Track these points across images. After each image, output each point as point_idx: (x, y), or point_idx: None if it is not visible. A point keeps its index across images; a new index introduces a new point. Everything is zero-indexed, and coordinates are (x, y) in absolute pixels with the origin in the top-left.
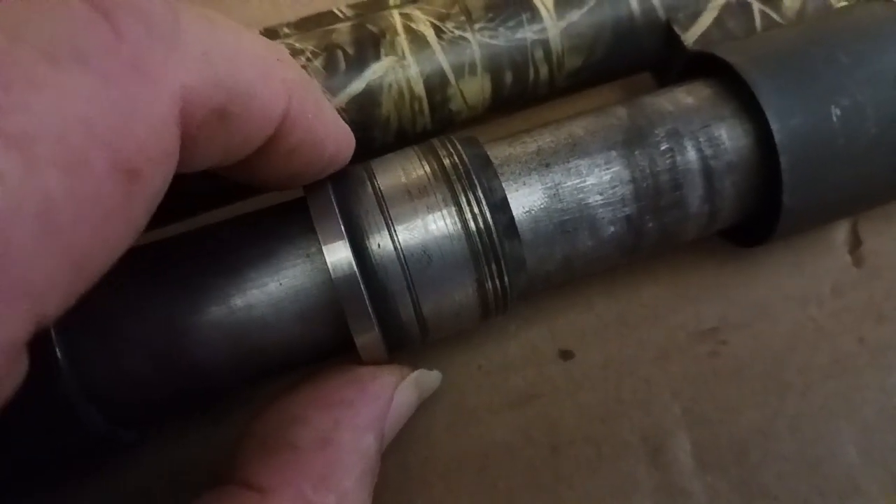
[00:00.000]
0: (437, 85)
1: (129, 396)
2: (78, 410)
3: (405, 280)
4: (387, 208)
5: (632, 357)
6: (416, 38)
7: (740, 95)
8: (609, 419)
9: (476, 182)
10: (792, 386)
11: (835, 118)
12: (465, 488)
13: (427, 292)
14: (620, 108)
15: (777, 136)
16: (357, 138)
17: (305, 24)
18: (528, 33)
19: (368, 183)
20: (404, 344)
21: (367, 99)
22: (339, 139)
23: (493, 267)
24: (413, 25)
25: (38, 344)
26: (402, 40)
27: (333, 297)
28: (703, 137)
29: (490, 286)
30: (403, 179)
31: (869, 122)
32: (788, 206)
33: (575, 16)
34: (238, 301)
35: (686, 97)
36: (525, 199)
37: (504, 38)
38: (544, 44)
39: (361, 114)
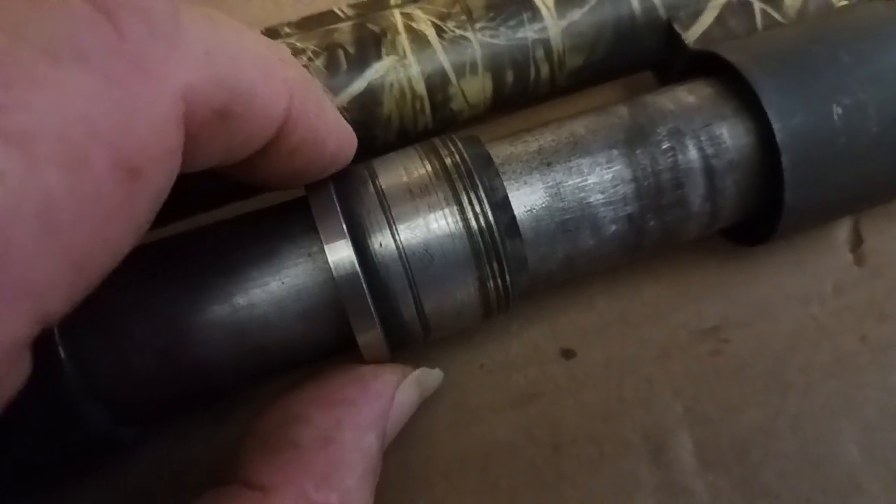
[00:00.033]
0: (438, 84)
1: (132, 395)
2: (81, 409)
3: (407, 279)
4: (388, 207)
5: (633, 356)
6: (418, 38)
7: (742, 94)
8: (611, 418)
9: (478, 181)
10: (793, 385)
11: (836, 117)
12: (468, 487)
13: (429, 291)
14: (622, 106)
15: (778, 135)
16: (358, 138)
17: (307, 24)
18: (529, 32)
19: (370, 182)
20: (406, 343)
21: (369, 98)
22: (341, 138)
23: (495, 266)
24: (414, 25)
25: (42, 343)
26: (404, 40)
27: (335, 295)
28: (704, 136)
29: (492, 285)
30: (405, 178)
31: (870, 121)
32: (790, 204)
33: (576, 15)
34: (240, 300)
35: (687, 96)
36: (526, 198)
37: (505, 37)
38: (545, 43)
39: (363, 113)
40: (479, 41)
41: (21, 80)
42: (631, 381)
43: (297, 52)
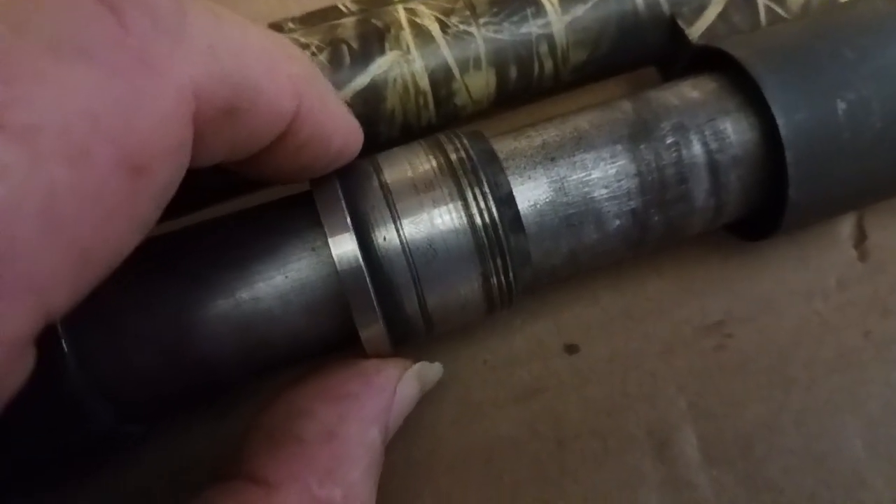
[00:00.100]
0: (441, 79)
1: (136, 391)
2: (85, 406)
3: (410, 273)
4: (393, 202)
5: (637, 351)
6: (421, 33)
7: (745, 90)
8: (615, 413)
9: (482, 177)
10: (797, 380)
11: (840, 112)
12: (471, 481)
13: (432, 286)
14: (626, 102)
15: (783, 131)
16: None
17: (310, 19)
18: (532, 28)
19: (375, 177)
20: (409, 337)
21: (372, 93)
22: (347, 133)
23: (499, 262)
24: (418, 20)
25: (45, 339)
26: (407, 35)
27: (339, 289)
28: (708, 131)
29: (495, 281)
30: (410, 174)
31: (874, 117)
32: (794, 200)
33: (579, 10)
34: (244, 294)
35: (691, 91)
36: (530, 193)
37: (509, 32)
38: (549, 38)
39: (366, 108)
40: (483, 36)
41: (24, 75)
42: (635, 376)
43: (300, 48)
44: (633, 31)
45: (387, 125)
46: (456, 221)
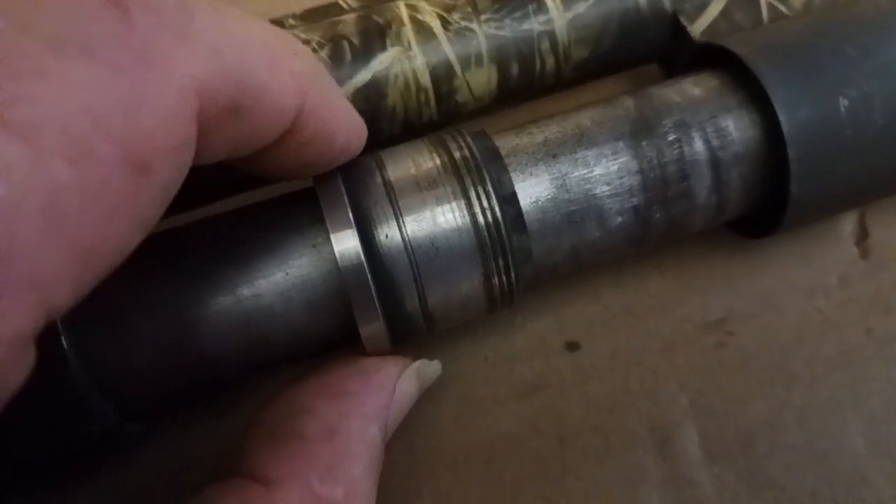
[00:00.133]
0: (443, 76)
1: (138, 388)
2: (86, 404)
3: (412, 271)
4: (396, 199)
5: (639, 348)
6: (423, 29)
7: (748, 87)
8: (616, 410)
9: (486, 176)
10: (799, 377)
11: (842, 109)
12: (473, 479)
13: (433, 284)
14: (628, 98)
15: (785, 128)
16: None
17: (311, 16)
18: (534, 24)
19: (378, 174)
20: (410, 335)
21: (373, 90)
22: (351, 130)
23: (501, 261)
24: (419, 16)
25: (46, 337)
26: (409, 31)
27: (340, 286)
28: (710, 128)
29: (497, 280)
30: (413, 171)
31: (876, 114)
32: (796, 197)
33: (581, 7)
34: (245, 291)
35: (693, 88)
36: (532, 190)
37: (510, 29)
38: (551, 35)
39: (367, 105)
40: (485, 33)
41: (26, 72)
42: (636, 373)
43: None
44: (635, 28)
45: (388, 122)
46: (459, 220)
